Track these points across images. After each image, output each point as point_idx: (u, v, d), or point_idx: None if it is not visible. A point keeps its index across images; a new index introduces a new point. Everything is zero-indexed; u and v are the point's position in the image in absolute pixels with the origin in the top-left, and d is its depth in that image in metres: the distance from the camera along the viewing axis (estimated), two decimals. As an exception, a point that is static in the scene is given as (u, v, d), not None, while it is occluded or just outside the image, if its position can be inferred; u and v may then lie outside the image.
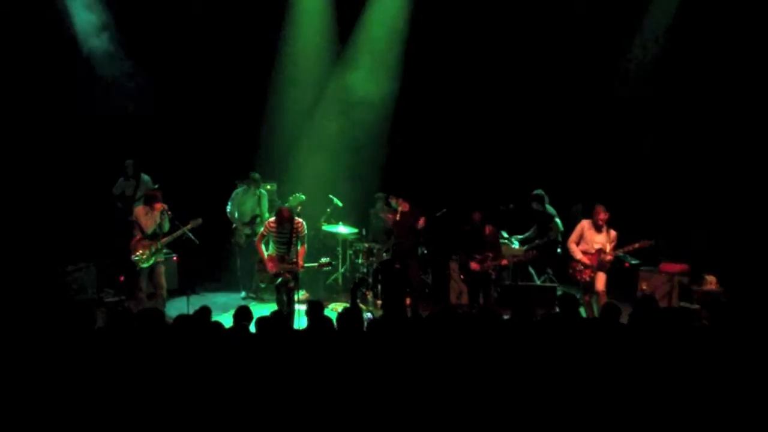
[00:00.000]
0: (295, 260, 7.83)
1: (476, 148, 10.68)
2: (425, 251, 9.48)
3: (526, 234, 9.81)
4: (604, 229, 8.24)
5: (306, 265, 7.94)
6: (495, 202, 9.30)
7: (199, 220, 8.24)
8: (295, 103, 10.80)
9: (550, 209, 9.62)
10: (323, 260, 8.12)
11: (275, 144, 10.72)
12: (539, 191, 9.64)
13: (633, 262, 9.09)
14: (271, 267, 7.86)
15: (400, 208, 8.49)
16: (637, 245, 8.16)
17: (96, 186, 9.78)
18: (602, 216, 8.21)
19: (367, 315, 8.70)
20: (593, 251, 8.24)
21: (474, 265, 8.30)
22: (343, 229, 9.89)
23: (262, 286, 9.00)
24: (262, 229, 8.16)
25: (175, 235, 8.22)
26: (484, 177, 10.48)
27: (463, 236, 8.44)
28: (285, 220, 7.79)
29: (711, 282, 8.52)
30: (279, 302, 8.04)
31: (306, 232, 7.97)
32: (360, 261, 9.67)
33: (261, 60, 10.48)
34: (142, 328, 5.19)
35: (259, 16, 10.24)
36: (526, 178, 10.03)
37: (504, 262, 8.38)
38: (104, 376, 4.49)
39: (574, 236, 8.42)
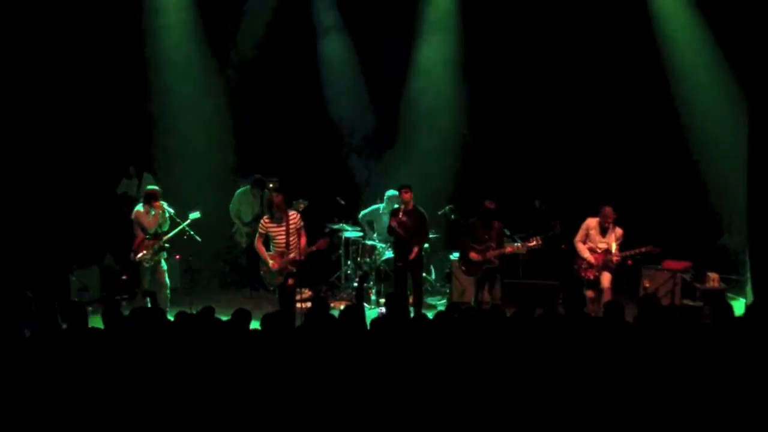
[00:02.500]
0: (295, 253, 7.84)
1: (482, 148, 10.64)
2: (428, 248, 9.45)
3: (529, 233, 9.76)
4: (611, 228, 8.24)
5: (303, 252, 7.90)
6: (500, 200, 9.25)
7: (198, 213, 8.26)
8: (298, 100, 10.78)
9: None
10: (320, 240, 8.08)
11: (278, 142, 10.70)
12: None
13: (636, 259, 9.07)
14: (274, 264, 7.86)
15: (403, 207, 8.48)
16: (643, 249, 8.16)
17: (99, 186, 9.80)
18: (610, 218, 8.19)
19: (380, 310, 8.72)
20: (599, 250, 8.25)
21: (473, 255, 8.29)
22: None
23: (271, 288, 8.91)
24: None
25: (175, 231, 8.25)
26: (488, 176, 10.44)
27: (469, 226, 8.42)
28: (276, 207, 7.76)
29: (714, 279, 8.51)
30: (281, 301, 8.05)
31: (302, 223, 7.96)
32: (363, 259, 9.63)
33: (261, 57, 10.48)
34: (143, 326, 5.21)
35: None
36: (531, 178, 10.01)
37: (509, 249, 8.33)
38: (104, 375, 4.50)
39: (580, 234, 8.43)
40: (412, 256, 8.39)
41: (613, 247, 8.18)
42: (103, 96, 9.78)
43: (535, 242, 8.35)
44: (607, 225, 8.23)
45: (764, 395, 4.34)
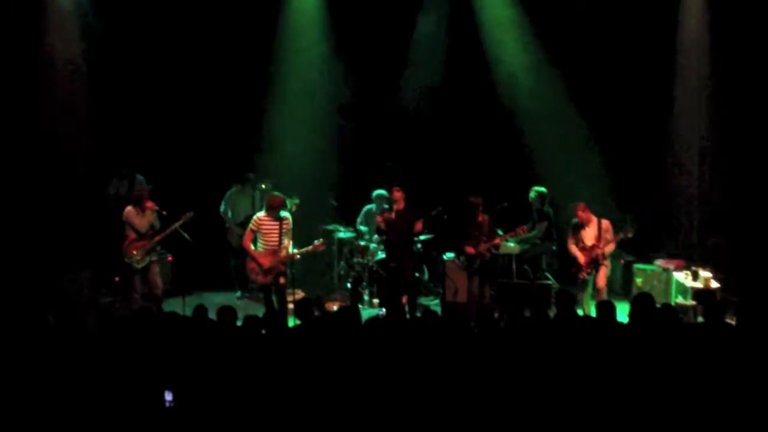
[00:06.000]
0: (285, 252, 7.86)
1: (473, 146, 10.63)
2: (420, 248, 9.43)
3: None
4: (593, 224, 8.27)
5: (300, 251, 7.95)
6: (491, 200, 9.24)
7: (191, 215, 8.24)
8: (291, 101, 10.73)
9: (547, 209, 9.56)
10: (316, 242, 8.09)
11: (271, 142, 10.65)
12: (541, 189, 9.58)
13: (629, 258, 9.09)
14: (264, 262, 7.87)
15: (395, 206, 8.46)
16: (621, 235, 8.21)
17: (90, 186, 9.73)
18: (581, 215, 8.25)
19: (381, 311, 8.67)
20: (588, 248, 8.27)
21: (469, 249, 8.30)
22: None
23: (256, 286, 8.89)
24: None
25: (167, 232, 8.22)
26: (480, 175, 10.43)
27: (459, 223, 8.47)
28: (276, 209, 7.79)
29: (706, 278, 8.53)
30: (268, 301, 8.05)
31: (291, 227, 8.01)
32: (356, 260, 9.61)
33: (257, 56, 10.42)
34: (136, 327, 5.19)
35: (256, 12, 10.19)
36: (525, 176, 10.00)
37: (497, 241, 8.35)
38: (96, 376, 4.48)
39: (570, 237, 8.46)
40: (418, 227, 8.34)
41: (601, 241, 8.20)
42: (100, 98, 9.73)
43: (521, 231, 8.38)
44: (581, 222, 8.28)
45: (757, 394, 4.35)
